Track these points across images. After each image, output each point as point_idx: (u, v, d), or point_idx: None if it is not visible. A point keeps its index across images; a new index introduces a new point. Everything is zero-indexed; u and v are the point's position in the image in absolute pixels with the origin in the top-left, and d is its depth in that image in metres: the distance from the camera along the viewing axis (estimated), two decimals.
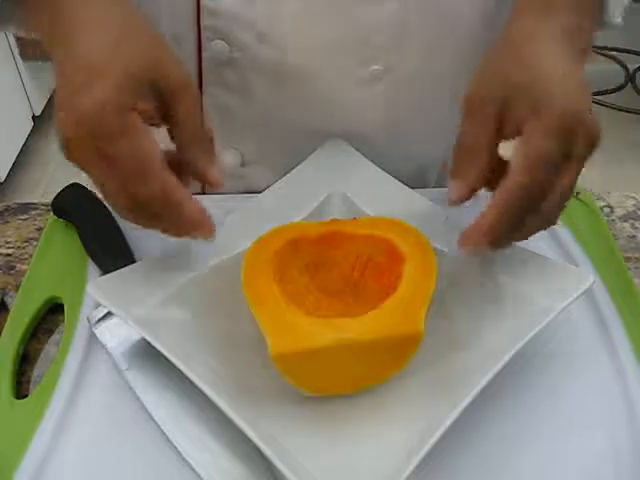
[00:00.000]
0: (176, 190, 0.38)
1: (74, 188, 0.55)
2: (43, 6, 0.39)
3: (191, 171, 0.41)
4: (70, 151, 0.37)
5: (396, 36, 0.51)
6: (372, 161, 0.55)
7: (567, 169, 0.39)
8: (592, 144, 0.39)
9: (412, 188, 0.53)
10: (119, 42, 0.37)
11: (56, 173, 1.96)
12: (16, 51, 1.89)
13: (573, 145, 0.39)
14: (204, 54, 0.52)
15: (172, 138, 0.40)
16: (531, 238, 0.42)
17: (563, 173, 0.39)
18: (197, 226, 0.40)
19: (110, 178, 0.37)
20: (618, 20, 0.47)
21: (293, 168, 0.54)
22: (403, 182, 0.53)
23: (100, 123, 0.35)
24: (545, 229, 0.41)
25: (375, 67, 0.52)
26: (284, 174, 0.54)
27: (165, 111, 0.39)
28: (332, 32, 0.50)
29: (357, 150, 0.56)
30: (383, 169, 0.54)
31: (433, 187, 0.67)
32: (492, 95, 0.40)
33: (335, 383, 0.40)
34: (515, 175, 0.38)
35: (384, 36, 0.51)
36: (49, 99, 2.09)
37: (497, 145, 0.41)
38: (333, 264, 0.44)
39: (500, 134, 0.40)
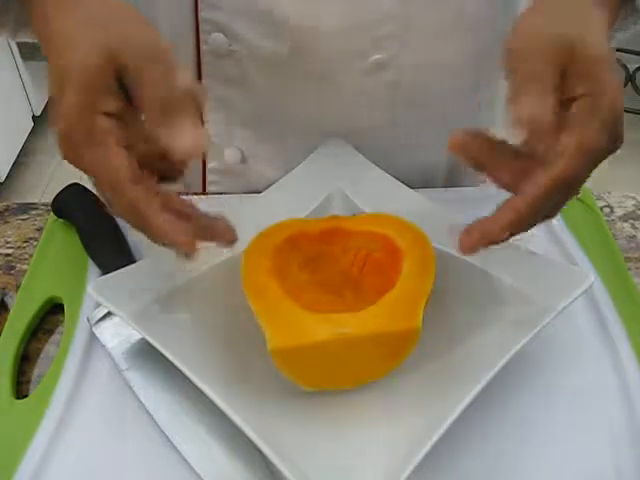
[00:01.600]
0: (146, 206, 0.35)
1: (74, 188, 0.55)
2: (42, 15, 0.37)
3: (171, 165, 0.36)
4: (60, 150, 0.36)
5: (399, 27, 0.51)
6: (376, 162, 0.55)
7: None
8: (620, 142, 0.36)
9: (417, 189, 0.53)
10: (91, 16, 0.34)
11: (56, 173, 1.96)
12: (16, 51, 1.89)
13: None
14: (203, 47, 0.52)
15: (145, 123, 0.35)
16: (531, 238, 0.42)
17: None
18: (170, 241, 0.35)
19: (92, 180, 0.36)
20: None
21: (293, 165, 0.54)
22: (407, 183, 0.53)
23: (69, 131, 0.34)
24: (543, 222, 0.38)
25: (377, 56, 0.52)
26: (284, 171, 0.54)
27: (134, 93, 0.34)
28: (333, 22, 0.50)
29: (360, 150, 0.55)
30: (386, 169, 0.54)
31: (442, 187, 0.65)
32: (546, 48, 0.34)
33: (333, 378, 0.40)
34: (563, 164, 0.34)
35: (386, 26, 0.50)
36: (49, 99, 2.09)
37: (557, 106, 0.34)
38: (332, 260, 0.44)
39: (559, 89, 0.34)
